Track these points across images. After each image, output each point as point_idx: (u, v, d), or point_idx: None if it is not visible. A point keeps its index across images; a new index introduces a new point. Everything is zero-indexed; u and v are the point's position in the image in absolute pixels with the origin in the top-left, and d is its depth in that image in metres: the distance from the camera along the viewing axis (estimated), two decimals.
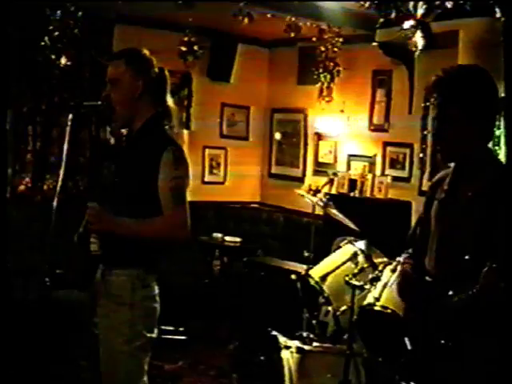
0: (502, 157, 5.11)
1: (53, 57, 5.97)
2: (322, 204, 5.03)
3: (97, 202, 4.72)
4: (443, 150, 2.85)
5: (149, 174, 3.11)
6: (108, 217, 3.14)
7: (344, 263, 4.54)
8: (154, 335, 3.21)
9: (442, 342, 2.67)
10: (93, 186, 4.92)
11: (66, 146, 3.37)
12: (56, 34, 5.84)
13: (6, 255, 2.97)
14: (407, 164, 6.70)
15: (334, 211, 4.96)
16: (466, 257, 2.59)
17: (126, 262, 3.14)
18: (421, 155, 6.50)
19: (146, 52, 3.34)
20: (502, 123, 5.30)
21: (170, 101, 3.32)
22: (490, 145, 5.12)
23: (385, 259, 4.46)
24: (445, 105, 2.76)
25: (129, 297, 3.12)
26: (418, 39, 5.38)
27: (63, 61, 6.00)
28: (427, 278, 2.87)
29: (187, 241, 3.14)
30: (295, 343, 4.39)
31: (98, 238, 3.13)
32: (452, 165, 2.91)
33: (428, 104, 6.02)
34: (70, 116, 3.35)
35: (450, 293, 2.60)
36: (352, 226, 4.86)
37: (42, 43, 5.91)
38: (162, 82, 3.31)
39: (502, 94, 5.24)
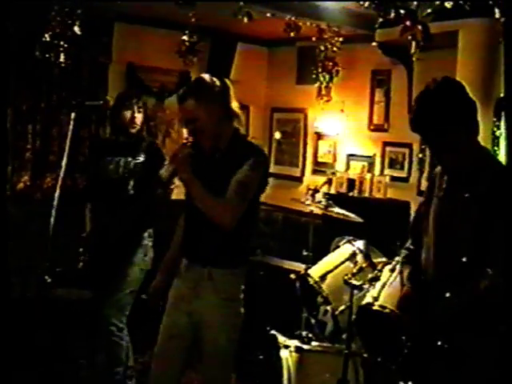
0: (501, 157, 5.12)
1: (52, 55, 5.96)
2: (322, 206, 5.03)
3: (101, 195, 4.78)
4: (448, 165, 2.85)
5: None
6: (190, 171, 3.31)
7: (343, 263, 4.55)
8: None
9: (439, 343, 2.68)
10: (93, 181, 4.95)
11: (67, 144, 3.39)
12: (55, 32, 5.82)
13: (7, 253, 2.98)
14: (406, 164, 6.70)
15: (335, 209, 4.96)
16: (464, 259, 2.60)
17: (235, 261, 3.48)
18: (420, 155, 6.51)
19: (205, 77, 3.50)
20: (502, 124, 5.32)
21: (235, 105, 3.49)
22: (490, 146, 5.18)
23: (384, 259, 4.46)
24: (431, 131, 2.76)
25: (237, 292, 3.50)
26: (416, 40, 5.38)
27: (62, 59, 5.99)
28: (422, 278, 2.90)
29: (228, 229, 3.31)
30: (294, 342, 4.40)
31: (170, 169, 3.34)
32: None
33: None
34: (73, 115, 3.38)
35: (447, 295, 2.61)
36: (356, 218, 4.86)
37: (42, 41, 5.90)
38: (226, 93, 3.47)
39: (502, 94, 5.27)
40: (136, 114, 4.68)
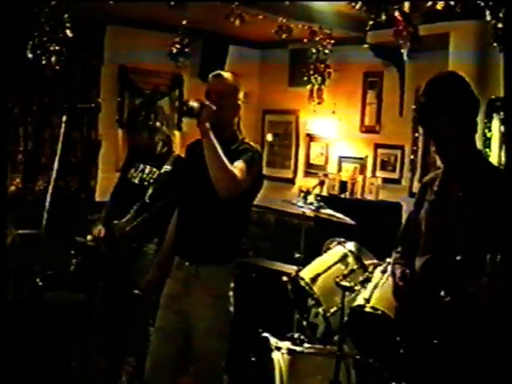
0: (492, 159, 5.14)
1: (44, 58, 5.95)
2: (313, 208, 5.03)
3: (121, 199, 4.80)
4: (445, 156, 2.86)
5: None
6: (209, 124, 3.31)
7: (334, 265, 4.53)
8: None
9: (435, 341, 2.69)
10: (119, 185, 4.98)
11: (59, 147, 3.38)
12: (47, 34, 5.81)
13: (4, 256, 2.98)
14: (398, 166, 6.72)
15: (327, 211, 4.96)
16: (458, 257, 2.60)
17: (223, 259, 3.51)
18: (411, 157, 6.53)
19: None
20: (493, 124, 5.33)
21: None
22: (481, 147, 5.19)
23: (375, 260, 4.46)
24: (435, 117, 2.77)
25: (226, 289, 3.51)
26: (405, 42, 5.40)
27: (54, 62, 5.98)
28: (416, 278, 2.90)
29: (229, 194, 3.27)
30: (286, 344, 4.39)
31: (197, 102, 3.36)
32: (442, 166, 2.93)
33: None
34: (65, 117, 3.38)
35: (442, 293, 2.61)
36: (347, 221, 4.86)
37: (33, 44, 5.89)
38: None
39: (493, 96, 5.27)
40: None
